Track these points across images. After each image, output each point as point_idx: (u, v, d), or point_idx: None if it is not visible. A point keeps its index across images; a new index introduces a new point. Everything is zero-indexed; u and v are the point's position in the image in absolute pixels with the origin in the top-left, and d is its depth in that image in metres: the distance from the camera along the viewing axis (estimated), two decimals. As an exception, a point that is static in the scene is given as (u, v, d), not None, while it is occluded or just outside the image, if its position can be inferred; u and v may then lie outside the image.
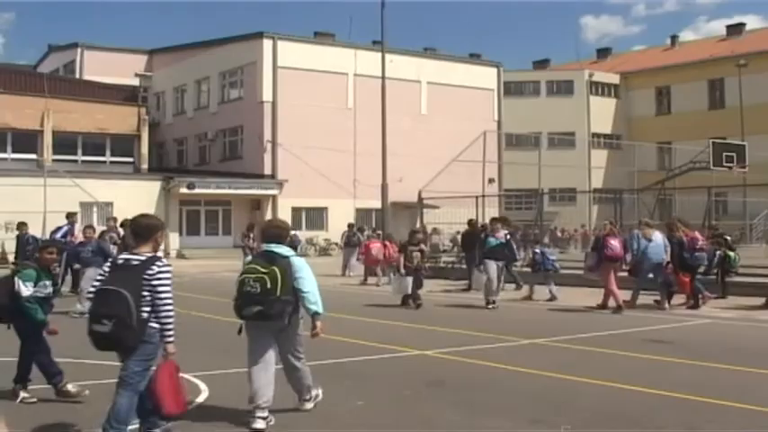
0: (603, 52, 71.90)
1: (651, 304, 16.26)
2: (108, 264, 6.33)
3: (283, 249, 6.99)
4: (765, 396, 8.03)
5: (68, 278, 18.15)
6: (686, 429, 6.94)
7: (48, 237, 19.15)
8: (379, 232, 27.07)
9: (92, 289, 6.14)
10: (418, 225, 32.46)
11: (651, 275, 16.17)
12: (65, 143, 40.53)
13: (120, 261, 6.18)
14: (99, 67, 50.91)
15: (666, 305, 16.18)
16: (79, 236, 19.39)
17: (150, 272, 5.94)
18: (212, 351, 10.37)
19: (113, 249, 16.40)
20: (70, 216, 20.00)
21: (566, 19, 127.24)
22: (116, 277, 5.97)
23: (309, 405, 7.34)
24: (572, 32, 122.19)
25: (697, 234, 16.64)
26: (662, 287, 16.30)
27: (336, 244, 36.54)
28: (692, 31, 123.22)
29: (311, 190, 41.86)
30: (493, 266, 16.62)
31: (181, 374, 6.32)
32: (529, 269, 19.52)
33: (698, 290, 16.37)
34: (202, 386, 8.15)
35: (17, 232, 20.34)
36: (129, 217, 20.18)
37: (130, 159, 42.98)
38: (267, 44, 43.15)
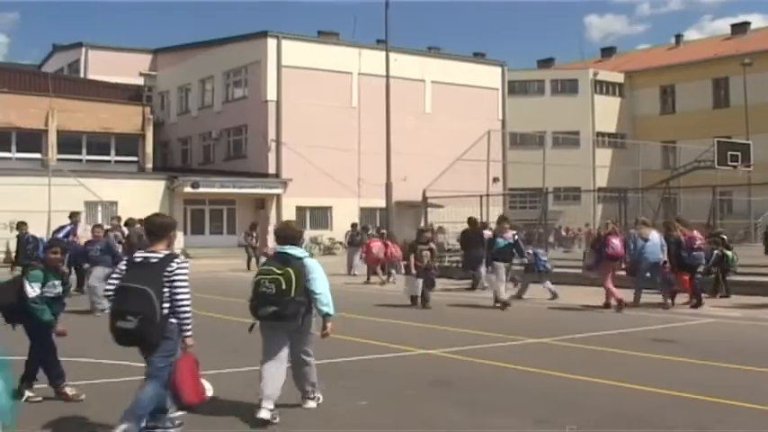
0: (608, 51, 71.81)
1: (654, 303, 16.25)
2: (124, 262, 6.47)
3: (297, 251, 7.18)
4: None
5: (72, 277, 18.16)
6: (696, 429, 6.90)
7: (50, 236, 19.14)
8: (384, 231, 27.08)
9: (110, 287, 6.29)
10: (424, 224, 32.41)
11: (649, 275, 16.17)
12: (69, 142, 40.56)
13: (138, 259, 6.34)
14: (103, 66, 50.93)
15: (670, 303, 16.17)
16: (83, 235, 19.43)
17: (169, 269, 6.15)
18: (220, 350, 10.34)
19: (118, 248, 16.48)
20: (73, 215, 20.01)
21: (570, 18, 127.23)
22: (135, 275, 6.15)
23: (312, 404, 7.40)
24: (576, 31, 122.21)
25: (695, 233, 16.61)
26: (663, 286, 16.30)
27: (341, 243, 36.54)
28: (696, 30, 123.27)
29: (315, 189, 41.85)
30: (502, 268, 16.53)
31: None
32: (522, 268, 19.44)
33: (698, 288, 16.38)
34: (207, 384, 8.15)
35: (16, 232, 20.39)
36: (134, 216, 20.28)
37: (135, 159, 43.01)
38: (271, 43, 43.14)
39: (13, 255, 20.76)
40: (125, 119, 42.56)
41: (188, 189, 39.92)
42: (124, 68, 49.72)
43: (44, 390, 7.70)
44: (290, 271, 6.90)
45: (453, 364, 10.07)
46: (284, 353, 7.13)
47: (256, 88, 43.82)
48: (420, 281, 16.52)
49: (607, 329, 13.06)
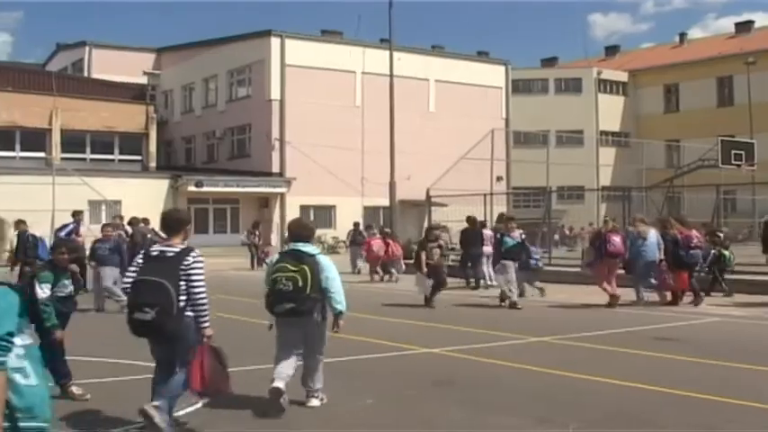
0: (612, 50, 71.68)
1: (657, 302, 16.26)
2: (141, 256, 6.62)
3: (309, 248, 7.36)
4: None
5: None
6: (707, 429, 6.88)
7: (53, 235, 19.13)
8: (387, 230, 27.10)
9: (127, 280, 6.48)
10: (429, 222, 32.35)
11: (653, 279, 16.21)
12: (73, 141, 40.61)
13: (155, 253, 6.51)
14: (107, 65, 50.96)
15: (666, 298, 16.22)
16: (85, 234, 19.44)
17: (186, 262, 6.30)
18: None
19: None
20: (76, 214, 20.01)
21: (574, 17, 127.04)
22: (153, 268, 6.32)
23: (316, 402, 7.42)
24: (580, 30, 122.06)
25: (693, 232, 16.60)
26: (658, 285, 16.33)
27: (344, 242, 36.53)
28: (700, 28, 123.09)
29: (319, 188, 41.84)
30: (512, 267, 16.48)
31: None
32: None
33: (694, 287, 16.39)
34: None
35: (16, 231, 20.36)
36: (138, 215, 20.32)
37: (139, 158, 43.06)
38: (275, 42, 43.16)
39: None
40: (129, 118, 42.61)
41: (192, 188, 39.95)
42: (128, 67, 49.76)
43: (51, 389, 7.69)
44: (306, 268, 7.08)
45: (456, 363, 10.06)
46: (298, 347, 7.32)
47: (260, 87, 43.83)
48: (430, 280, 16.45)
49: (610, 328, 13.04)
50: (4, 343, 3.14)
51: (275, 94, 42.79)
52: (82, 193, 33.05)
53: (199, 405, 6.60)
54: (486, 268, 20.69)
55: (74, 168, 36.02)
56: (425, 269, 16.38)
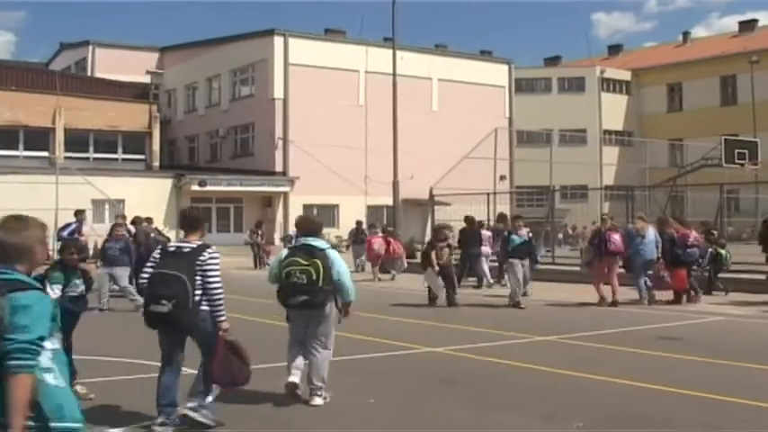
0: (615, 49, 71.58)
1: (659, 301, 16.25)
2: (158, 251, 6.79)
3: (320, 242, 7.63)
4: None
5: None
6: (714, 429, 6.86)
7: (55, 235, 19.05)
8: (391, 229, 27.09)
9: (144, 275, 6.64)
10: (432, 221, 32.34)
11: (648, 281, 16.25)
12: (76, 140, 40.68)
13: (172, 248, 6.74)
14: (110, 64, 50.99)
15: (654, 296, 16.34)
16: (88, 233, 19.41)
17: (202, 258, 6.48)
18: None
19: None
20: (78, 213, 19.99)
21: (577, 16, 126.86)
22: (169, 263, 6.49)
23: (319, 400, 7.42)
24: (583, 29, 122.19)
25: (690, 231, 16.60)
26: (654, 283, 16.35)
27: (347, 241, 36.53)
28: (704, 27, 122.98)
29: (322, 187, 41.86)
30: (519, 265, 16.45)
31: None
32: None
33: (692, 285, 16.39)
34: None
35: None
36: (141, 215, 20.27)
37: (142, 157, 43.11)
38: (278, 41, 43.18)
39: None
40: (132, 117, 42.66)
41: (195, 187, 39.99)
42: (131, 66, 49.76)
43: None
44: (318, 262, 7.34)
45: (460, 362, 10.06)
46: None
47: (263, 86, 43.85)
48: (440, 279, 16.39)
49: (613, 327, 13.04)
50: (35, 347, 3.18)
51: (278, 93, 42.81)
52: (85, 192, 33.04)
53: (210, 399, 6.61)
54: (486, 268, 20.77)
55: (77, 167, 36.02)
56: (437, 268, 16.30)
